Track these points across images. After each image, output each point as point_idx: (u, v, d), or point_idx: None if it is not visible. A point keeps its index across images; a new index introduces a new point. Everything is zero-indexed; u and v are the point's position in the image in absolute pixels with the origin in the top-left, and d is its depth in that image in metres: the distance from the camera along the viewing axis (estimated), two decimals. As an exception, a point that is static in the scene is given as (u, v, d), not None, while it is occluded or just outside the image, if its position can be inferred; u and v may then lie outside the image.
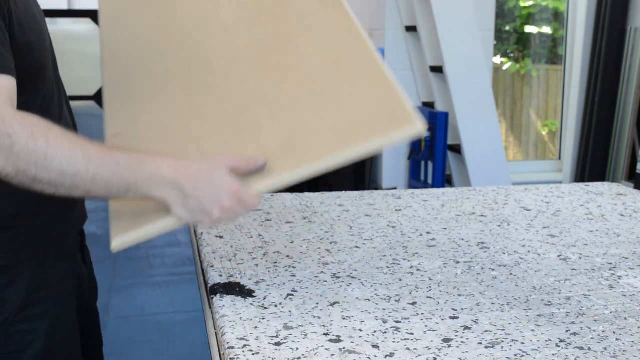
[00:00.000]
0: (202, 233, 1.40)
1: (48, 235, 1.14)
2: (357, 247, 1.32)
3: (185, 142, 1.06)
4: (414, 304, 1.04)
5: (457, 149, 3.60)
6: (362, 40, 1.03)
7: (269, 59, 1.10)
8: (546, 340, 0.93)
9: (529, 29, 4.52)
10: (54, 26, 5.46)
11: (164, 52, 1.22)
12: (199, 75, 1.14)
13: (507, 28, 4.55)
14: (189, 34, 1.21)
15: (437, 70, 3.57)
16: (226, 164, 0.96)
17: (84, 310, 1.25)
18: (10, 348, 1.11)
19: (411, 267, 1.21)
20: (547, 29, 4.50)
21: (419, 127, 0.91)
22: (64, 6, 6.16)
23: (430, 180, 3.64)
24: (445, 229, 1.46)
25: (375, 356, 0.87)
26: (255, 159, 0.96)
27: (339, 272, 1.18)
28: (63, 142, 0.92)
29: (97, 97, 5.63)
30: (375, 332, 0.94)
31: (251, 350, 0.88)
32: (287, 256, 1.26)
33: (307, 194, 1.76)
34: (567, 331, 0.95)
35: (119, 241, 0.97)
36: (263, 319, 0.98)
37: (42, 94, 1.12)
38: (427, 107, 3.72)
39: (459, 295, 1.08)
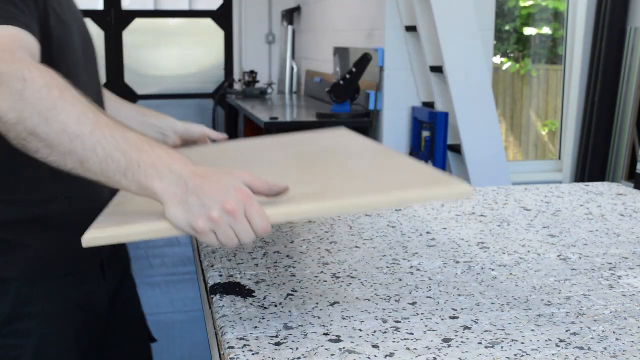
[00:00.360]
0: (202, 233, 1.40)
1: (47, 256, 1.11)
2: (357, 247, 1.32)
3: None
4: (414, 304, 1.04)
5: (457, 149, 3.60)
6: (415, 162, 1.06)
7: (312, 169, 1.13)
8: (546, 340, 0.93)
9: (528, 30, 4.52)
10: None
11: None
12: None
13: (507, 28, 4.55)
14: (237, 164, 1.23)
15: (437, 70, 3.57)
16: (243, 177, 0.86)
17: (99, 327, 1.21)
18: None
19: (411, 267, 1.21)
20: (547, 30, 4.49)
21: (466, 188, 0.89)
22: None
23: (430, 180, 3.64)
24: (445, 229, 1.46)
25: (375, 356, 0.87)
26: (276, 183, 0.88)
27: (339, 272, 1.18)
28: (77, 101, 0.87)
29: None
30: (375, 332, 0.94)
31: (251, 350, 0.88)
32: (287, 256, 1.26)
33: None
34: (567, 331, 0.95)
35: (93, 234, 0.85)
36: (263, 319, 0.98)
37: None
38: (427, 107, 3.72)
39: (459, 295, 1.08)
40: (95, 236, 0.84)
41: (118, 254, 1.29)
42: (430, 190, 0.90)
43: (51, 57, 1.04)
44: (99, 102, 1.22)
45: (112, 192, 1.18)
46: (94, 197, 1.14)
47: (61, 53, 1.09)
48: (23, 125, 0.85)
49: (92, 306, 1.18)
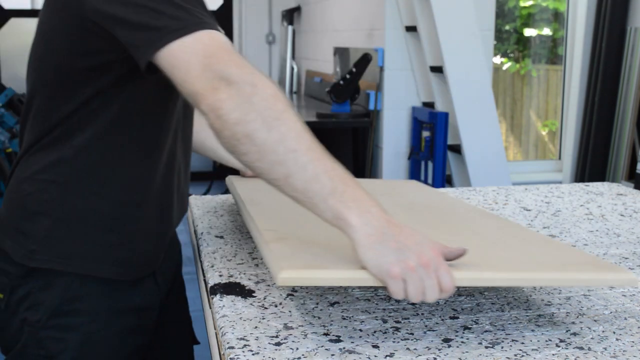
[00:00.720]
0: (202, 233, 1.40)
1: (104, 258, 1.12)
2: (357, 247, 1.32)
3: None
4: (414, 304, 1.04)
5: (457, 149, 3.60)
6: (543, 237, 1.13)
7: (433, 223, 1.15)
8: (546, 341, 0.93)
9: (528, 31, 4.52)
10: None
11: None
12: None
13: (507, 28, 4.55)
14: None
15: (437, 70, 3.57)
16: (432, 240, 0.88)
17: (147, 330, 1.21)
18: (41, 352, 1.11)
19: (411, 267, 1.21)
20: (547, 31, 4.49)
21: (631, 277, 0.92)
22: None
23: (430, 180, 3.64)
24: (445, 229, 1.46)
25: (375, 356, 0.87)
26: (458, 248, 0.89)
27: (339, 272, 1.18)
28: (297, 119, 0.90)
29: None
30: (375, 332, 0.94)
31: (251, 350, 0.88)
32: (287, 256, 1.26)
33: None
34: (567, 331, 0.95)
35: (289, 274, 0.84)
36: (263, 319, 0.98)
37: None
38: (427, 107, 3.72)
39: (459, 295, 1.08)
40: (291, 276, 0.84)
41: (171, 258, 1.30)
42: (601, 275, 0.92)
43: None
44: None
45: (180, 217, 1.24)
46: (166, 216, 1.19)
47: None
48: (243, 127, 0.87)
49: (143, 309, 1.19)
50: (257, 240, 1.01)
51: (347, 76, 3.78)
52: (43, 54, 1.09)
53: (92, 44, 1.03)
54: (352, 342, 0.91)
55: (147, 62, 0.94)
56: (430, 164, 3.63)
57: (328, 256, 0.91)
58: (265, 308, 1.02)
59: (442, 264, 0.86)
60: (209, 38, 0.93)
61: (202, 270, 1.23)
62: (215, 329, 0.99)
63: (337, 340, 0.92)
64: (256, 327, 0.95)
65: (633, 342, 0.93)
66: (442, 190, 1.35)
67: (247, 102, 0.88)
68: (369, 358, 0.87)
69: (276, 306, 1.03)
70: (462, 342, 0.92)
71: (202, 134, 1.38)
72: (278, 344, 0.90)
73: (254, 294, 1.07)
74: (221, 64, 0.90)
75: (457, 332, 0.95)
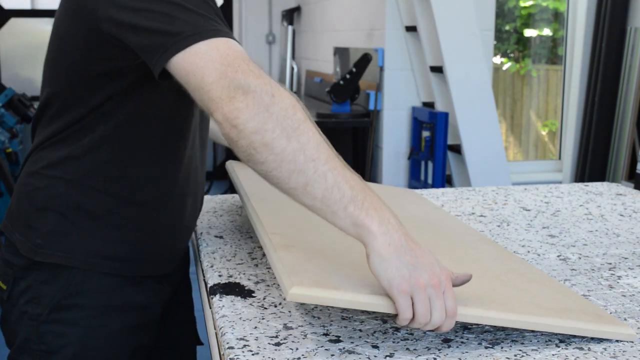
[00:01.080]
0: (201, 233, 1.40)
1: (111, 254, 1.13)
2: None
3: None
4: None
5: (457, 149, 3.60)
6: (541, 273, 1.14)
7: (435, 244, 1.13)
8: (546, 341, 0.93)
9: (528, 31, 4.52)
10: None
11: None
12: None
13: (507, 28, 4.55)
14: None
15: (437, 70, 3.57)
16: (442, 264, 0.88)
17: (150, 328, 1.20)
18: (42, 347, 1.12)
19: (411, 267, 1.21)
20: (547, 31, 4.49)
21: (630, 332, 0.93)
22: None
23: (430, 180, 3.64)
24: (445, 229, 1.46)
25: (375, 356, 0.87)
26: (465, 274, 0.89)
27: (339, 272, 1.18)
28: (315, 129, 0.90)
29: None
30: (375, 332, 0.94)
31: (251, 351, 0.88)
32: (287, 256, 1.26)
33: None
34: (566, 331, 0.95)
35: (300, 291, 0.82)
36: (263, 319, 0.98)
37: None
38: (427, 107, 3.72)
39: (459, 296, 1.08)
40: (302, 293, 0.82)
41: (181, 265, 1.30)
42: (601, 328, 0.93)
43: None
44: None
45: (192, 220, 1.24)
46: (176, 218, 1.18)
47: None
48: (261, 136, 0.86)
49: (145, 307, 1.18)
50: (264, 244, 1.01)
51: (347, 76, 3.78)
52: (58, 56, 1.10)
53: (105, 50, 1.03)
54: (352, 343, 0.91)
55: (161, 68, 0.93)
56: (430, 164, 3.63)
57: (339, 273, 0.90)
58: (265, 308, 1.02)
59: (450, 288, 0.86)
60: (226, 46, 0.91)
61: (202, 270, 1.23)
62: (215, 329, 0.99)
63: (337, 340, 0.92)
64: (256, 327, 0.95)
65: (633, 342, 0.93)
66: (436, 203, 1.34)
67: (265, 112, 0.86)
68: (369, 358, 0.87)
69: (276, 306, 1.03)
70: (462, 342, 0.92)
71: None
72: (278, 344, 0.90)
73: (253, 294, 1.07)
74: (239, 72, 0.88)
75: (457, 332, 0.95)
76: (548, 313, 0.92)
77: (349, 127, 3.98)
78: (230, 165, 1.52)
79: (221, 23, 0.97)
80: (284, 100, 0.89)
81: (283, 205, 1.01)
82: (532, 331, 0.95)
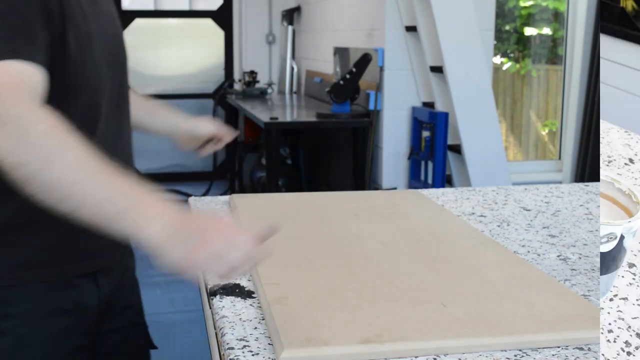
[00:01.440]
0: (202, 233, 1.40)
1: (35, 261, 1.11)
2: (357, 247, 1.32)
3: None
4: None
5: (457, 149, 3.60)
6: (529, 265, 1.17)
7: (434, 259, 1.18)
8: (546, 341, 0.92)
9: (528, 31, 4.52)
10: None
11: (316, 241, 1.26)
12: (359, 261, 1.16)
13: (507, 28, 4.55)
14: (340, 242, 1.27)
15: (437, 70, 3.58)
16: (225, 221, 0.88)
17: (85, 331, 1.19)
18: None
19: (411, 267, 1.21)
20: (547, 31, 4.49)
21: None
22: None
23: (430, 180, 3.64)
24: (445, 229, 1.46)
25: (375, 357, 0.87)
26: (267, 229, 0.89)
27: (339, 273, 1.18)
28: (76, 147, 0.88)
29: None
30: (375, 332, 0.94)
31: (251, 351, 0.88)
32: (287, 256, 1.26)
33: (306, 193, 1.76)
34: (566, 331, 0.95)
35: (291, 354, 0.84)
36: (263, 319, 0.98)
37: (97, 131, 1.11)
38: (427, 107, 3.72)
39: (459, 296, 1.08)
40: (294, 356, 0.84)
41: (117, 262, 1.27)
42: (596, 334, 0.92)
43: (68, 70, 1.05)
44: (124, 110, 1.23)
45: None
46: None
47: (80, 66, 1.08)
48: (23, 170, 0.86)
49: (78, 310, 1.16)
50: (258, 294, 1.04)
51: (347, 76, 3.78)
52: None
53: None
54: (352, 343, 0.91)
55: None
56: (430, 164, 3.63)
57: (332, 321, 0.91)
58: (265, 308, 1.02)
59: (232, 235, 0.85)
60: None
61: (202, 271, 1.23)
62: (215, 329, 0.99)
63: (337, 340, 0.91)
64: (256, 328, 0.95)
65: (633, 342, 0.93)
66: (440, 202, 1.34)
67: (20, 145, 0.85)
68: (369, 358, 0.87)
69: (276, 307, 1.03)
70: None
71: None
72: (278, 344, 0.90)
73: (253, 295, 1.07)
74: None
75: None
76: (542, 327, 0.92)
77: (349, 127, 3.99)
78: (232, 200, 1.55)
79: (13, 42, 0.93)
80: (38, 127, 0.87)
81: (282, 239, 1.02)
82: (532, 331, 0.95)
